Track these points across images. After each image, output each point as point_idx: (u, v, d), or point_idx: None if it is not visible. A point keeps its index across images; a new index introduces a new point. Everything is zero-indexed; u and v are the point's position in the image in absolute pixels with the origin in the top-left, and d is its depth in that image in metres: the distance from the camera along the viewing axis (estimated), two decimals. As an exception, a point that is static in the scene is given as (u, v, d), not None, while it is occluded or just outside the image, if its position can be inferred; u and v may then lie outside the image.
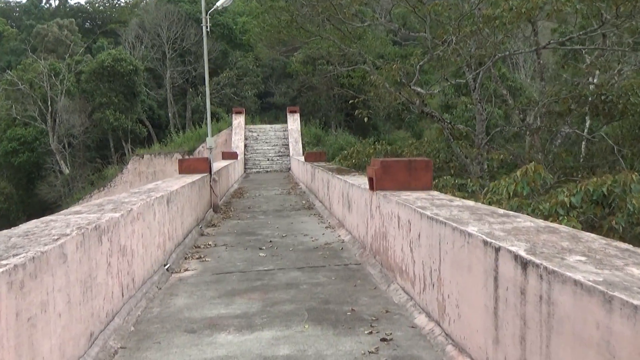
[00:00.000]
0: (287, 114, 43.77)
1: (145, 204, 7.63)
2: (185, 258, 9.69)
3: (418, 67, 16.22)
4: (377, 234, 8.37)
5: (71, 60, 56.74)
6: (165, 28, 57.76)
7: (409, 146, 19.51)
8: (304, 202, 18.38)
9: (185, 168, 15.49)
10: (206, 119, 19.49)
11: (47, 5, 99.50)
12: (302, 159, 26.78)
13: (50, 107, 51.35)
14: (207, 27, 16.50)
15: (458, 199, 7.14)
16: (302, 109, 46.82)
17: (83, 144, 52.94)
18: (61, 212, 6.63)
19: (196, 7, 58.31)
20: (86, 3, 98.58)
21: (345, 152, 22.82)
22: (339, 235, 11.46)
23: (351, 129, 50.31)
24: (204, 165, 15.58)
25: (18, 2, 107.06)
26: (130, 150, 51.93)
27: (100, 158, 54.46)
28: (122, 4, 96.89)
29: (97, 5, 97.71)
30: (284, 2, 21.10)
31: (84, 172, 52.01)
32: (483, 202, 11.03)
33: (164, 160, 43.90)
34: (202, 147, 42.13)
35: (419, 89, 16.69)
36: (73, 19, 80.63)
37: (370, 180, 8.68)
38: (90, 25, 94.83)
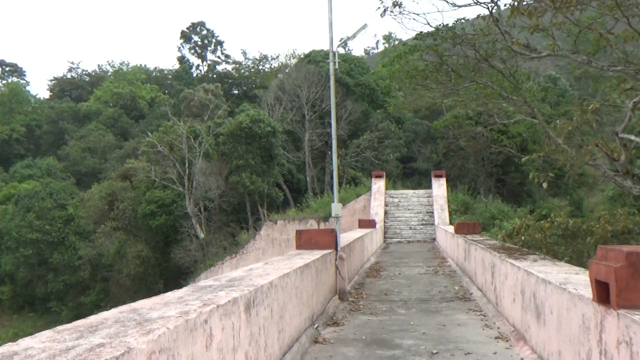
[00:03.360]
0: (432, 178, 39.97)
1: (185, 325, 4.13)
2: (278, 395, 6.09)
3: (631, 104, 11.88)
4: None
5: (212, 123, 56.24)
6: (305, 89, 56.09)
7: (597, 219, 15.06)
8: (456, 287, 14.33)
9: (304, 242, 12.05)
10: (340, 182, 16.20)
11: (197, 71, 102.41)
12: (451, 229, 22.79)
13: (188, 170, 50.53)
14: (335, 64, 13.32)
15: None
16: (448, 174, 42.82)
17: (219, 207, 51.47)
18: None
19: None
20: (233, 69, 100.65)
21: (510, 227, 18.55)
22: (522, 359, 7.42)
23: (502, 196, 45.53)
24: (328, 239, 12.07)
25: (170, 70, 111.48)
26: (265, 215, 49.79)
27: (237, 222, 52.79)
28: (266, 70, 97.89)
29: (242, 71, 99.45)
30: (431, 41, 17.56)
31: (219, 236, 50.42)
32: None
33: (298, 227, 41.05)
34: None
35: (632, 137, 12.34)
36: (219, 84, 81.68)
37: (602, 285, 4.75)
38: (236, 91, 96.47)
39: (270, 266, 8.33)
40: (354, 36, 14.30)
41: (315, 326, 9.28)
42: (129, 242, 52.43)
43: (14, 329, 53.49)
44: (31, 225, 56.39)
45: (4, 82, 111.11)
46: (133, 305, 4.86)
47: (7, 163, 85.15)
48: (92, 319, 4.23)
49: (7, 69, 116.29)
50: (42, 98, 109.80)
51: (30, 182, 69.22)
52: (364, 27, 14.32)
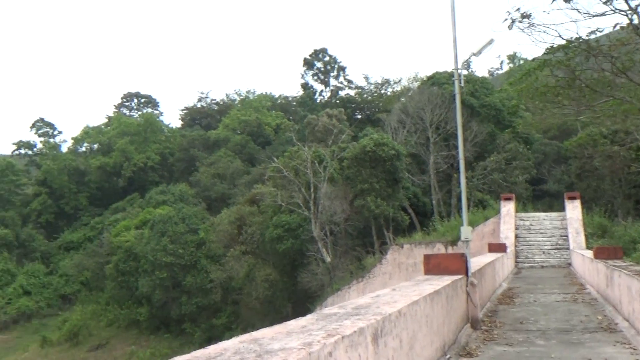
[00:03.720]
0: (565, 200, 38.11)
1: (308, 359, 3.85)
2: None
3: None
4: None
5: (336, 147, 56.59)
6: (429, 111, 55.44)
7: None
8: (599, 317, 13.31)
9: (432, 267, 11.59)
10: (467, 205, 15.63)
11: (320, 97, 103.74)
12: (588, 254, 21.48)
13: (313, 194, 50.93)
14: (460, 82, 12.86)
15: None
16: (582, 196, 40.73)
17: (345, 231, 51.49)
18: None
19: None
20: (355, 94, 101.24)
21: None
22: (683, 399, 6.63)
23: (642, 218, 42.77)
24: (458, 264, 11.55)
25: (295, 97, 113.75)
26: (391, 239, 49.26)
27: (362, 246, 52.57)
28: (388, 94, 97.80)
29: (365, 95, 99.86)
30: (562, 55, 16.61)
31: (344, 260, 50.34)
32: None
33: (424, 251, 40.27)
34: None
35: None
36: (342, 109, 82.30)
37: None
38: (359, 115, 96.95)
39: (398, 292, 7.97)
40: (480, 52, 13.73)
41: (447, 357, 8.80)
42: (257, 265, 53.36)
43: (151, 349, 55.66)
44: (165, 249, 58.64)
45: (139, 113, 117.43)
46: (255, 334, 4.65)
47: (143, 190, 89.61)
48: (212, 349, 4.05)
49: (142, 100, 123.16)
50: (174, 127, 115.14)
51: (164, 207, 72.27)
52: (490, 42, 13.73)
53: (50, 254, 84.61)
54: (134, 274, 63.20)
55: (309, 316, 5.65)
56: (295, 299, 51.91)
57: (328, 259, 50.06)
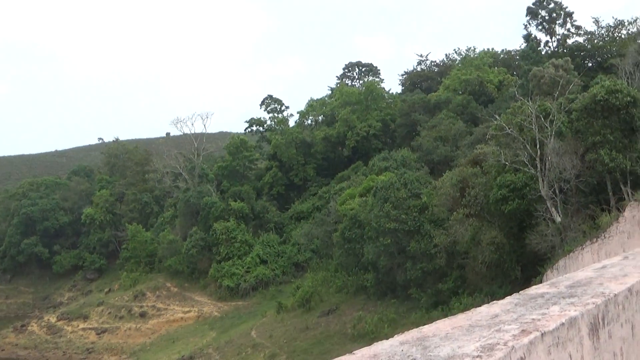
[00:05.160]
0: None
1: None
2: None
3: None
4: None
5: (563, 99, 52.82)
6: (670, 50, 49.60)
7: None
8: None
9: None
10: None
11: (546, 48, 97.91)
12: None
13: (539, 151, 47.93)
14: None
15: None
16: None
17: (576, 188, 47.88)
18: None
19: None
20: (584, 41, 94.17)
21: None
22: None
23: None
24: None
25: (517, 50, 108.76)
26: (629, 194, 44.94)
27: (597, 203, 48.67)
28: (622, 37, 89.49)
29: (595, 41, 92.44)
30: None
31: (577, 220, 46.87)
32: None
33: (671, 207, 36.15)
34: None
35: None
36: (569, 58, 76.86)
37: None
38: (590, 63, 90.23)
39: (630, 262, 6.40)
40: None
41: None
42: (482, 228, 51.60)
43: (379, 314, 56.36)
44: (388, 215, 58.67)
45: (361, 82, 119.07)
46: (425, 330, 3.56)
47: (367, 157, 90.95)
48: (359, 354, 3.08)
49: (363, 69, 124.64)
50: (394, 93, 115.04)
51: (387, 173, 72.46)
52: None
53: (283, 224, 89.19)
54: (359, 241, 64.35)
55: (507, 299, 4.46)
56: (524, 261, 49.51)
57: (558, 219, 46.97)
